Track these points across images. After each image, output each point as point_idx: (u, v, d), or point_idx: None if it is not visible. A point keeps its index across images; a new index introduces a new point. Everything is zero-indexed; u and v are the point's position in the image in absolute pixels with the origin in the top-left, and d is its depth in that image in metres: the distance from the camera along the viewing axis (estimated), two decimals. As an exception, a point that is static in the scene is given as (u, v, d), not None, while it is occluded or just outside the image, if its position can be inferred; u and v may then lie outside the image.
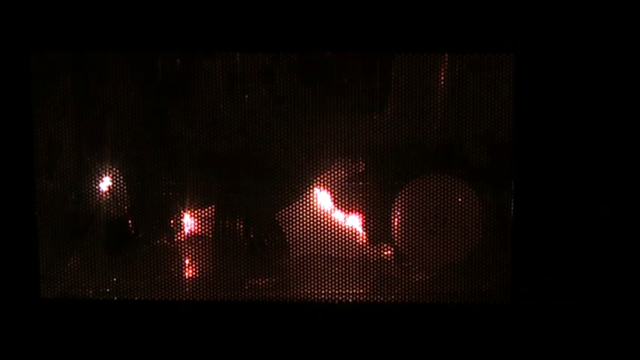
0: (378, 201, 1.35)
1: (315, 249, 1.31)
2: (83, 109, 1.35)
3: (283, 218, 1.33)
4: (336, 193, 1.34)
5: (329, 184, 1.34)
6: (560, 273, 1.25)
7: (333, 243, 1.32)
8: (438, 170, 1.33)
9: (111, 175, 1.34)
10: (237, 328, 1.29)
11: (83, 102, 1.34)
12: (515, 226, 1.25)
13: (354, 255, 1.34)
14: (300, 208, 1.32)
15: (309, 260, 1.32)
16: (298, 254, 1.32)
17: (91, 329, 1.29)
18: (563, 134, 1.22)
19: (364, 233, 1.37)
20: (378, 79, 1.32)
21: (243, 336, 1.29)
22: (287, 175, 1.34)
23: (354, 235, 1.36)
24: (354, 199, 1.36)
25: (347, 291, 1.31)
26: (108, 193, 1.35)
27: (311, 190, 1.33)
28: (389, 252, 1.38)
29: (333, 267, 1.32)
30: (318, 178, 1.33)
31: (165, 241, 1.40)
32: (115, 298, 1.32)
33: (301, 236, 1.32)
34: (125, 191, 1.36)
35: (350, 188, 1.35)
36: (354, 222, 1.36)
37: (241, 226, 1.37)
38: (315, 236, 1.31)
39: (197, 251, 1.36)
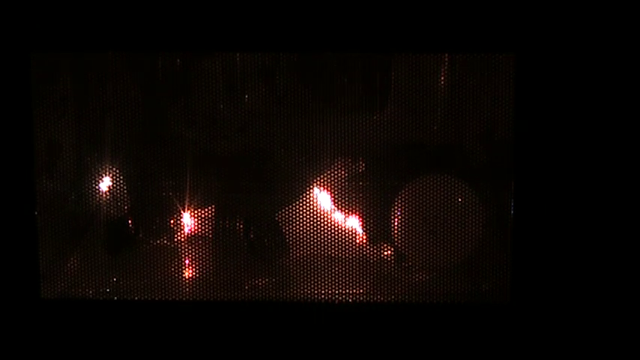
0: (378, 201, 1.35)
1: (315, 249, 1.31)
2: (83, 109, 1.35)
3: (283, 218, 1.33)
4: (336, 193, 1.34)
5: (329, 184, 1.34)
6: (560, 273, 1.25)
7: (333, 243, 1.31)
8: (438, 170, 1.33)
9: (111, 175, 1.34)
10: (237, 328, 1.29)
11: (83, 102, 1.34)
12: (515, 226, 1.25)
13: (353, 255, 1.34)
14: (300, 208, 1.32)
15: (309, 260, 1.32)
16: (298, 254, 1.32)
17: (91, 329, 1.29)
18: (564, 134, 1.22)
19: (364, 233, 1.37)
20: (378, 79, 1.33)
21: (243, 336, 1.29)
22: (287, 175, 1.34)
23: (354, 235, 1.36)
24: (354, 199, 1.36)
25: (347, 291, 1.31)
26: (108, 193, 1.35)
27: (311, 190, 1.33)
28: (389, 252, 1.38)
29: (333, 267, 1.31)
30: (318, 178, 1.33)
31: (165, 241, 1.40)
32: (115, 298, 1.32)
33: (301, 236, 1.32)
34: (125, 191, 1.36)
35: (350, 188, 1.35)
36: (353, 222, 1.36)
37: (241, 226, 1.37)
38: (315, 236, 1.31)
39: (197, 251, 1.36)
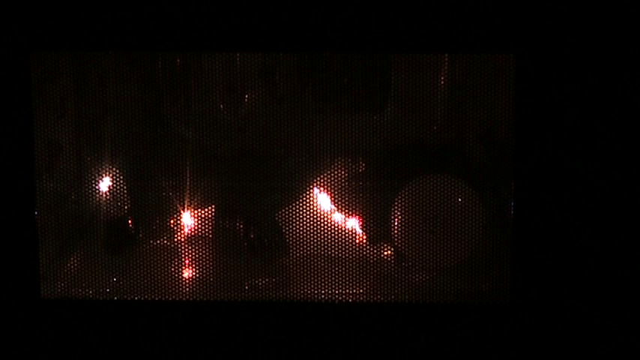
0: (378, 201, 1.35)
1: (315, 249, 1.31)
2: (83, 109, 1.35)
3: (283, 218, 1.33)
4: (336, 193, 1.34)
5: (329, 184, 1.34)
6: (559, 273, 1.25)
7: (333, 243, 1.31)
8: (438, 170, 1.33)
9: (111, 175, 1.34)
10: (237, 328, 1.29)
11: (83, 102, 1.34)
12: (515, 226, 1.25)
13: (353, 255, 1.34)
14: (300, 208, 1.32)
15: (309, 260, 1.32)
16: (298, 254, 1.32)
17: (91, 329, 1.29)
18: (564, 134, 1.22)
19: (364, 233, 1.37)
20: (378, 79, 1.33)
21: (243, 336, 1.29)
22: (287, 175, 1.34)
23: (354, 235, 1.36)
24: (354, 199, 1.36)
25: (347, 291, 1.31)
26: (108, 193, 1.35)
27: (311, 190, 1.33)
28: (389, 252, 1.38)
29: (333, 267, 1.31)
30: (318, 178, 1.33)
31: (165, 241, 1.40)
32: (115, 298, 1.32)
33: (301, 236, 1.32)
34: (125, 191, 1.36)
35: (350, 188, 1.35)
36: (353, 222, 1.36)
37: (241, 226, 1.37)
38: (315, 236, 1.31)
39: (197, 251, 1.36)
